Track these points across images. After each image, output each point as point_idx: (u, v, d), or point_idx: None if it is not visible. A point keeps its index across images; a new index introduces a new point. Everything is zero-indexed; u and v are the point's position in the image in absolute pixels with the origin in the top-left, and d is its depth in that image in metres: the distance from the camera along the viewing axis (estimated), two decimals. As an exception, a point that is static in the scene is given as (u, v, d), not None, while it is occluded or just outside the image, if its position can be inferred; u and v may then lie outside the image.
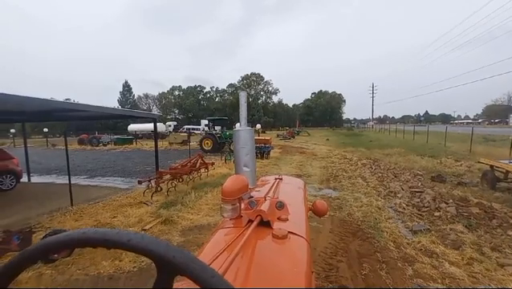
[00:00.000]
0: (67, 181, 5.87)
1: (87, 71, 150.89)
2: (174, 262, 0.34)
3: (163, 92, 75.92)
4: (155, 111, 68.67)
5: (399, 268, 3.42)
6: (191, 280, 0.34)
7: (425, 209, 5.61)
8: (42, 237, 3.53)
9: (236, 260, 0.89)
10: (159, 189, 6.49)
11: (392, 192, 7.03)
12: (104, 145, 25.99)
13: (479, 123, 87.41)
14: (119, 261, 3.59)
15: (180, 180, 7.27)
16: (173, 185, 6.76)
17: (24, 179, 8.90)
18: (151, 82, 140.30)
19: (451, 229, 4.56)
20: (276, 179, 2.06)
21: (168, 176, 6.98)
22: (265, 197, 1.46)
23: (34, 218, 5.06)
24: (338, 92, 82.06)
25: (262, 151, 13.17)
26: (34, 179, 9.67)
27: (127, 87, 63.23)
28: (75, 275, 3.29)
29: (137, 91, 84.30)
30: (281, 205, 1.35)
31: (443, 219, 5.05)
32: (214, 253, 0.95)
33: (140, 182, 6.42)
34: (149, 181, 6.50)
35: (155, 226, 4.66)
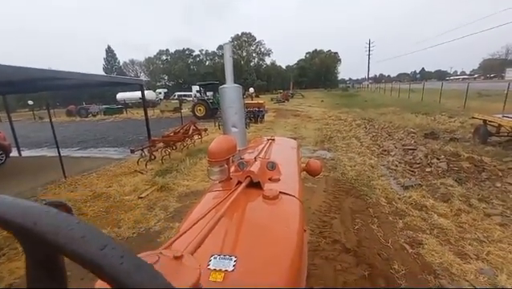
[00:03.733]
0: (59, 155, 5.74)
1: (67, 42, 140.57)
2: (36, 230, 0.21)
3: (149, 57, 72.01)
4: (143, 77, 65.80)
5: (390, 222, 3.55)
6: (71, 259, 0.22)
7: (417, 166, 5.72)
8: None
9: (223, 221, 0.83)
10: (152, 157, 6.42)
11: (385, 150, 7.10)
12: (94, 116, 25.30)
13: (475, 78, 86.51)
14: (118, 228, 3.64)
15: (174, 147, 7.18)
16: (167, 152, 6.69)
17: (14, 154, 8.70)
18: (135, 46, 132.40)
19: (441, 184, 4.69)
20: (268, 140, 1.96)
21: (161, 144, 6.87)
22: (255, 158, 1.38)
23: (28, 192, 5.02)
24: (333, 51, 78.99)
25: (255, 115, 12.98)
26: (25, 153, 9.47)
27: (110, 53, 59.60)
28: (75, 243, 3.35)
29: (122, 58, 79.82)
30: (272, 166, 1.27)
31: (434, 174, 5.17)
32: (200, 215, 0.88)
33: (132, 151, 6.32)
34: (142, 149, 6.39)
35: (151, 194, 4.68)
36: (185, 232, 0.78)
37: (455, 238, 3.10)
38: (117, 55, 60.31)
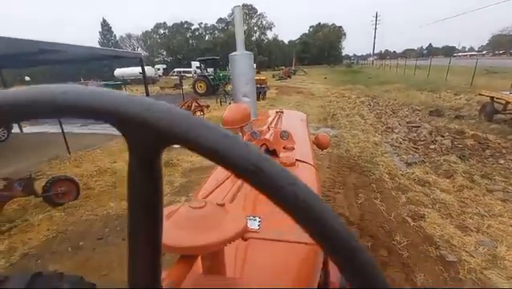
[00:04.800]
0: (61, 130, 5.71)
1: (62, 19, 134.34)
2: (144, 117, 0.17)
3: (147, 31, 69.43)
4: (141, 52, 63.72)
5: (392, 196, 3.61)
6: (188, 148, 0.18)
7: (421, 143, 5.70)
8: (44, 184, 3.55)
9: (242, 187, 0.82)
10: (155, 133, 6.38)
11: (389, 128, 7.05)
12: (93, 92, 24.90)
13: (483, 55, 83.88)
14: (126, 201, 3.71)
15: (176, 124, 7.11)
16: (169, 129, 6.63)
17: (15, 130, 8.69)
18: (131, 23, 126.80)
19: (444, 160, 4.70)
20: (277, 112, 1.92)
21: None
22: (268, 128, 1.35)
23: (33, 167, 5.06)
24: (338, 25, 75.81)
25: (257, 92, 12.75)
26: (26, 130, 9.45)
27: (106, 26, 57.25)
28: (85, 216, 3.43)
29: (118, 32, 77.05)
30: (285, 135, 1.26)
31: (437, 151, 5.17)
32: (217, 184, 0.87)
33: (134, 127, 6.25)
34: (144, 125, 6.33)
35: (156, 169, 4.71)
36: (206, 197, 0.77)
37: (457, 213, 3.16)
38: (113, 29, 58.05)
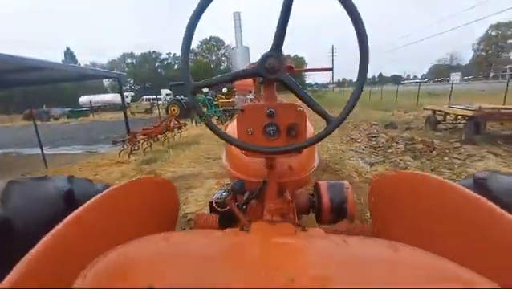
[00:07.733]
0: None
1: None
2: None
3: (113, 60, 68.77)
4: (107, 81, 62.35)
5: (361, 187, 4.15)
6: None
7: (380, 148, 6.55)
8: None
9: None
10: (135, 148, 6.43)
11: (352, 138, 7.92)
12: (56, 119, 23.55)
13: (425, 82, 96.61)
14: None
15: (156, 139, 7.23)
16: (149, 144, 6.73)
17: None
18: (94, 52, 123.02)
19: (400, 160, 5.50)
20: None
21: (141, 136, 6.89)
22: None
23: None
24: (300, 56, 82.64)
25: (230, 113, 13.45)
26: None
27: (69, 55, 55.76)
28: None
29: (82, 62, 74.83)
30: None
31: (394, 154, 6.00)
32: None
33: (114, 142, 6.26)
34: (123, 141, 6.37)
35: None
36: None
37: (412, 195, 3.76)
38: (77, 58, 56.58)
